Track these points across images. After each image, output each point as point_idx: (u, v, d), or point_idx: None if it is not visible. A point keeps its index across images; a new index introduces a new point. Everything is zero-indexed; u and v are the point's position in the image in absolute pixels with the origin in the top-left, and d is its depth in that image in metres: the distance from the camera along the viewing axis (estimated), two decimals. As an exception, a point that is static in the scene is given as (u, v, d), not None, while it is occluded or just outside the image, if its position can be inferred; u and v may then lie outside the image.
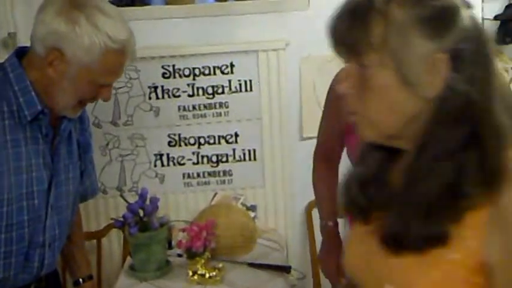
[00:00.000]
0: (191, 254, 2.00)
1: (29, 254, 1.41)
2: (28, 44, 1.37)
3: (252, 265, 2.08)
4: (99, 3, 1.33)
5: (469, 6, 0.87)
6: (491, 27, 2.27)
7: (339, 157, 1.74)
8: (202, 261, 1.98)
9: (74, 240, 1.70)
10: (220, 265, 2.00)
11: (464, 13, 0.85)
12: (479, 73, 0.84)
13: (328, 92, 1.67)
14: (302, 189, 2.26)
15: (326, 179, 1.75)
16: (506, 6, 2.27)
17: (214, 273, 1.97)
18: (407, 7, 0.84)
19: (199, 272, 1.97)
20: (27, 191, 1.36)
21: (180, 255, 2.11)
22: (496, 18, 2.25)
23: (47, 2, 1.33)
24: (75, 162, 1.51)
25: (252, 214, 2.38)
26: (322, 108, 1.73)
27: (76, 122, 1.51)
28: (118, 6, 1.71)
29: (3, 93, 1.33)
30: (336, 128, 1.65)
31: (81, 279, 1.70)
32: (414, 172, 0.86)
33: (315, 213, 2.03)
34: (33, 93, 1.33)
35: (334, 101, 1.62)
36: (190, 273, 1.97)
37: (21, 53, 1.38)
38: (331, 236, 1.74)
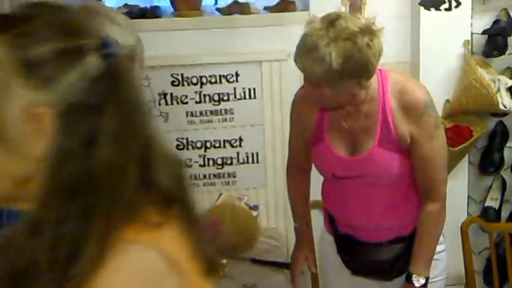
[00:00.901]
0: (197, 250, 2.12)
1: None
2: None
3: (254, 261, 2.18)
4: (107, 11, 1.38)
5: (104, 47, 0.69)
6: (480, 41, 2.37)
7: (310, 165, 1.80)
8: (208, 257, 2.09)
9: None
10: (224, 261, 2.09)
11: (92, 59, 0.67)
12: (105, 131, 0.66)
13: (291, 108, 1.74)
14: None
15: (299, 186, 1.85)
16: (494, 22, 2.36)
17: (218, 268, 2.08)
18: (10, 44, 0.66)
19: (204, 267, 2.08)
20: None
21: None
22: (484, 32, 2.34)
23: None
24: None
25: (255, 213, 2.48)
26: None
27: None
28: (130, 18, 1.80)
29: None
30: (302, 141, 1.71)
31: None
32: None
33: (314, 212, 2.12)
34: None
35: (296, 116, 1.71)
36: (196, 268, 2.08)
37: None
38: (304, 236, 1.83)
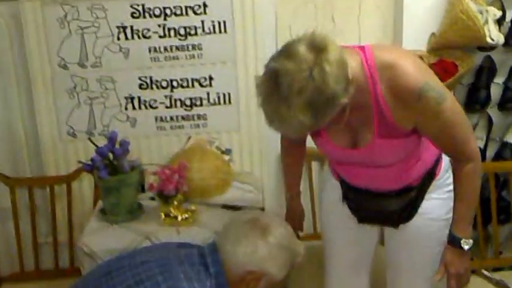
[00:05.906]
0: (163, 197, 1.99)
1: None
2: None
3: (225, 207, 2.08)
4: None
5: None
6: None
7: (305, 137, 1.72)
8: (175, 203, 1.97)
9: None
10: (193, 207, 2.00)
11: None
12: None
13: None
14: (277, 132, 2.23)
15: (292, 155, 1.83)
16: None
17: (186, 215, 1.96)
18: None
19: (171, 215, 1.96)
20: None
21: (152, 199, 2.09)
22: (474, -43, 2.22)
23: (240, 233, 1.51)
24: None
25: (227, 158, 2.36)
26: None
27: None
28: None
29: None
30: None
31: None
32: None
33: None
34: None
35: None
36: (163, 216, 1.96)
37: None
38: (294, 204, 1.89)
